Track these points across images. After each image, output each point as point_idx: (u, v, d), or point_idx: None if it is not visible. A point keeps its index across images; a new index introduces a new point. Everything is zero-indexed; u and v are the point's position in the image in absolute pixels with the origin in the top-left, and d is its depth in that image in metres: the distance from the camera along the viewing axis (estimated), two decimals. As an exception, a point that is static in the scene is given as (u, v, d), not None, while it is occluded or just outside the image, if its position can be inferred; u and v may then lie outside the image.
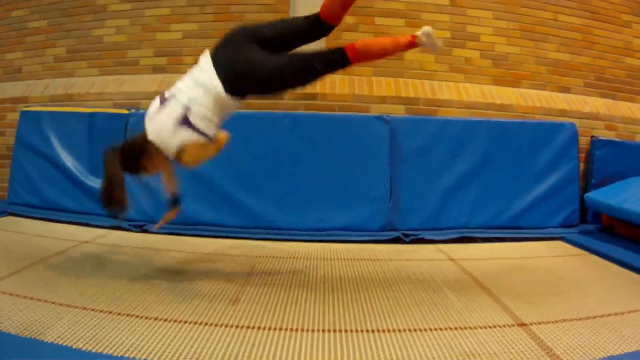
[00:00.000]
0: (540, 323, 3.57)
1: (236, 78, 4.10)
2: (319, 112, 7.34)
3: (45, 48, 8.55)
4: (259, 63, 4.10)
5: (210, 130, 4.21)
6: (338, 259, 5.58)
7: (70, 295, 3.97)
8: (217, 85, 4.07)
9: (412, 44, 4.39)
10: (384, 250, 6.05)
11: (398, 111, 7.41)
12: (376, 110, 7.38)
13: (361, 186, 6.83)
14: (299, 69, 4.18)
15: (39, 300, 3.83)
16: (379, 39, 4.45)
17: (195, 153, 4.22)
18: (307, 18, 4.32)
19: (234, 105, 4.25)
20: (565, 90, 8.08)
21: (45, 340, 3.07)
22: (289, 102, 7.42)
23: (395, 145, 6.94)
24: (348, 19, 7.58)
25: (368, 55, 4.35)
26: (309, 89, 7.10)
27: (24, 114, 7.84)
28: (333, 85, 7.54)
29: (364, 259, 5.59)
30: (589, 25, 8.22)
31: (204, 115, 4.13)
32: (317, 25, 4.29)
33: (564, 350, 3.08)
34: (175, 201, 5.02)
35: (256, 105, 7.29)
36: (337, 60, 4.24)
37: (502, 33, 7.89)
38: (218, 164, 6.66)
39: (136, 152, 4.41)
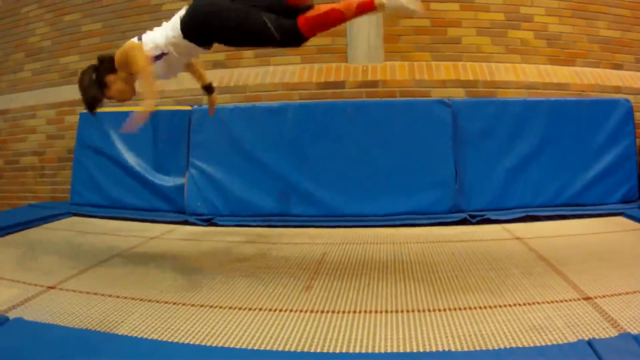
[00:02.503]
0: (604, 296, 3.60)
1: (194, 25, 4.22)
2: (381, 99, 7.39)
3: (101, 50, 8.61)
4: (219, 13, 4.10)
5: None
6: (407, 243, 5.66)
7: (140, 290, 4.11)
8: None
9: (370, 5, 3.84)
10: (452, 232, 6.14)
11: (458, 94, 7.46)
12: (437, 94, 7.43)
13: (426, 170, 6.87)
14: (255, 32, 4.05)
15: (109, 296, 3.96)
16: (330, 6, 3.93)
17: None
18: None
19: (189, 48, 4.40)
20: (618, 67, 8.06)
21: (119, 333, 3.19)
22: (350, 90, 7.51)
23: (457, 128, 6.97)
24: (404, 6, 7.66)
25: (322, 26, 4.00)
26: (369, 76, 7.18)
27: (83, 115, 7.97)
28: (393, 71, 7.60)
29: (432, 242, 5.66)
30: (638, 2, 8.18)
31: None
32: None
33: (629, 321, 3.13)
34: (208, 89, 5.16)
35: (318, 94, 7.41)
36: (290, 34, 4.00)
37: (554, 13, 7.87)
38: (284, 154, 6.76)
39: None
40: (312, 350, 2.93)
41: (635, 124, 7.31)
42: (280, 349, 2.95)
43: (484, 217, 6.63)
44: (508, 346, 2.84)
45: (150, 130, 7.38)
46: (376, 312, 3.51)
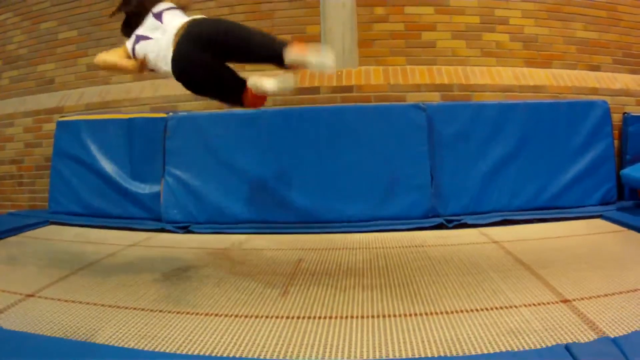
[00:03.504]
0: (583, 299, 3.62)
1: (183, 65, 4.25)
2: (356, 104, 7.39)
3: (77, 58, 8.64)
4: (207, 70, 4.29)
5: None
6: (383, 248, 5.65)
7: (118, 297, 4.09)
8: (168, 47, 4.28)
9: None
10: (428, 237, 6.12)
11: (433, 98, 7.46)
12: (412, 98, 7.42)
13: (402, 175, 6.86)
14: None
15: (87, 303, 3.94)
16: None
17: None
18: (272, 48, 4.25)
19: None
20: (595, 68, 8.09)
21: (96, 342, 3.17)
22: (325, 95, 7.48)
23: (433, 132, 6.98)
24: (378, 10, 7.73)
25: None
26: (344, 81, 7.18)
27: (60, 124, 7.94)
28: (368, 76, 7.58)
29: (408, 246, 5.65)
30: (613, 2, 8.24)
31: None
32: (276, 60, 4.24)
33: (607, 324, 3.15)
34: None
35: (293, 100, 7.39)
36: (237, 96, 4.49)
37: (530, 15, 7.91)
38: (260, 160, 6.77)
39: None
40: (287, 357, 2.93)
41: (613, 126, 7.36)
42: (256, 355, 2.94)
43: (461, 221, 6.61)
44: (485, 351, 2.85)
45: (126, 138, 7.36)
46: (352, 317, 3.51)
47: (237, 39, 4.22)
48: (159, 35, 4.36)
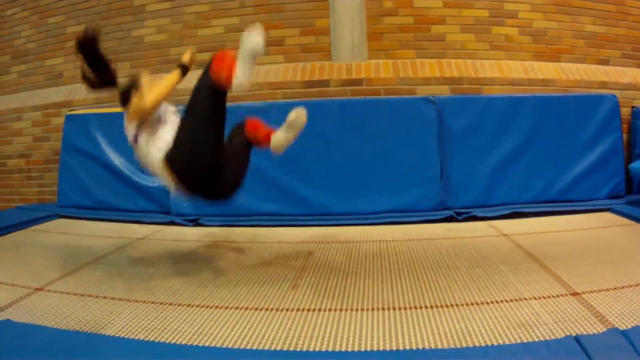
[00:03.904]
0: (592, 292, 3.62)
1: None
2: (366, 97, 7.37)
3: (85, 51, 8.61)
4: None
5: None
6: (393, 240, 5.65)
7: (128, 290, 4.11)
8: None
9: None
10: (438, 230, 6.12)
11: (443, 91, 7.43)
12: (422, 91, 7.39)
13: (412, 167, 6.85)
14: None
15: (97, 297, 3.95)
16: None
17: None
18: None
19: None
20: (604, 62, 8.07)
21: (106, 334, 3.18)
22: (334, 89, 7.47)
23: (442, 126, 6.96)
24: (387, 4, 7.69)
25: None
26: (353, 74, 7.17)
27: (69, 117, 7.95)
28: (377, 69, 7.57)
29: (419, 239, 5.65)
30: (622, -4, 8.22)
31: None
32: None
33: (617, 317, 3.14)
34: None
35: (303, 93, 7.42)
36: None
37: (538, 9, 7.87)
38: (269, 153, 6.76)
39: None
40: (298, 349, 2.93)
41: (621, 119, 7.33)
42: (266, 347, 2.95)
43: (471, 214, 6.60)
44: (495, 343, 2.84)
45: (136, 131, 7.32)
46: (362, 310, 3.51)
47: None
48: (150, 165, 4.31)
